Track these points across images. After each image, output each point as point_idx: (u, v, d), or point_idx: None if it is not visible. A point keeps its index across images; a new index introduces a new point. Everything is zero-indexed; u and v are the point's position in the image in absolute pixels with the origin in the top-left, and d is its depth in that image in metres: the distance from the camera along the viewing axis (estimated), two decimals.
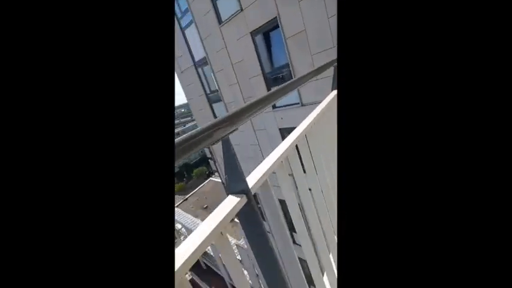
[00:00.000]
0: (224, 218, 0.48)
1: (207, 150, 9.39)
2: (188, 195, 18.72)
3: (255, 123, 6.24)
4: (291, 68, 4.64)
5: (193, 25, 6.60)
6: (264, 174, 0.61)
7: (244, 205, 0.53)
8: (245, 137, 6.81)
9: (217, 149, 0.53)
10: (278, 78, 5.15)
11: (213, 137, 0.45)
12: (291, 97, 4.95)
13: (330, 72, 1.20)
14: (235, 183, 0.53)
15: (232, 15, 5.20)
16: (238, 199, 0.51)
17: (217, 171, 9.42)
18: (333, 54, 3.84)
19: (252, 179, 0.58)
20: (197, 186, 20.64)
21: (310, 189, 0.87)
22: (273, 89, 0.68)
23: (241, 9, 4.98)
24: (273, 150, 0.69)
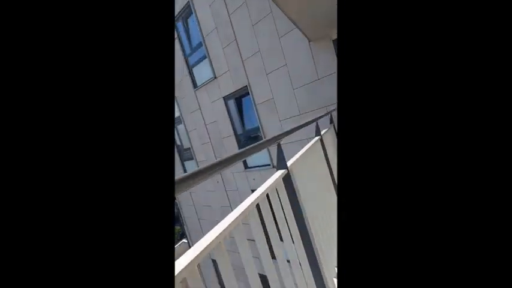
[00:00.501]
0: (277, 179, 0.94)
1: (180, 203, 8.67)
2: None
3: (226, 182, 6.01)
4: (261, 131, 4.77)
5: None
6: (299, 157, 1.20)
7: (286, 175, 1.02)
8: (216, 198, 6.44)
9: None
10: (249, 139, 5.23)
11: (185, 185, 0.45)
12: (262, 158, 4.95)
13: (298, 136, 1.40)
14: (281, 164, 1.03)
15: (207, 81, 5.53)
16: (282, 171, 1.00)
17: (186, 234, 8.53)
18: (299, 121, 4.05)
19: (289, 162, 1.10)
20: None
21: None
22: (243, 148, 0.78)
23: (215, 77, 5.34)
24: None
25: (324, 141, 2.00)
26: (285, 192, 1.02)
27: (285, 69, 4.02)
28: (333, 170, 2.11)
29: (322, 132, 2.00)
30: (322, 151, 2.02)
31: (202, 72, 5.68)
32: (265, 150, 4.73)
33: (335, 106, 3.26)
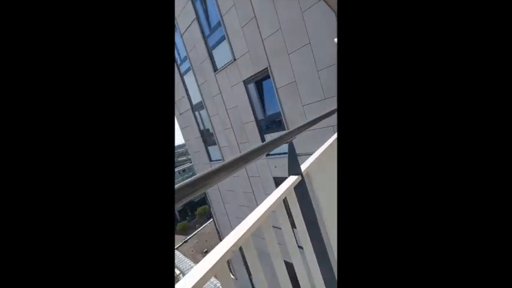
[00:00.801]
0: (288, 187, 0.80)
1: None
2: (188, 237, 17.77)
3: (249, 169, 5.93)
4: (282, 117, 4.47)
5: (191, 72, 6.77)
6: (313, 161, 1.01)
7: (299, 182, 0.87)
8: (239, 184, 6.44)
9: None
10: (271, 125, 4.98)
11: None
12: (284, 146, 4.69)
13: (324, 123, 1.28)
14: (293, 168, 0.88)
15: (226, 64, 5.28)
16: (296, 177, 0.86)
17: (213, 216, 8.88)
18: (324, 106, 3.66)
19: (303, 166, 0.93)
20: (200, 225, 19.69)
21: None
22: (268, 140, 0.72)
23: (235, 59, 5.05)
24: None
25: None
26: (297, 206, 0.86)
27: (308, 49, 3.59)
28: None
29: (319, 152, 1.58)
30: None
31: (222, 54, 5.42)
32: None
33: None
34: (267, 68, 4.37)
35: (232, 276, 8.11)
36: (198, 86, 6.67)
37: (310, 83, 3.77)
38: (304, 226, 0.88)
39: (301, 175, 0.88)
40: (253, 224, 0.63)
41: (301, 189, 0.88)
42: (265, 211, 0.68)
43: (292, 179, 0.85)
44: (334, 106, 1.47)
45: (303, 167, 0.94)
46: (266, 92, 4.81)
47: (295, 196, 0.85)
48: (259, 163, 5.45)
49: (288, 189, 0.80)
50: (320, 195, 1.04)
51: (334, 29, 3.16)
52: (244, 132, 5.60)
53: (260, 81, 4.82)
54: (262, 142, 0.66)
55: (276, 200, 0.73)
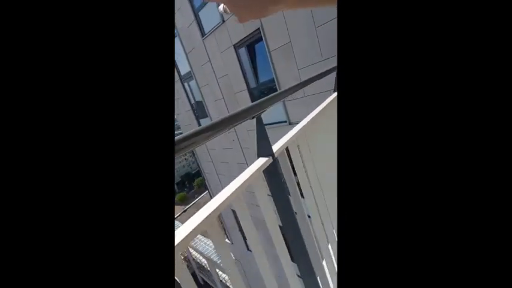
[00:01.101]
0: (253, 173, 0.69)
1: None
2: (187, 206, 18.18)
3: (242, 140, 5.77)
4: (276, 84, 4.21)
5: (177, 38, 6.25)
6: (284, 144, 0.88)
7: (270, 164, 0.76)
8: (232, 156, 6.31)
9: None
10: (264, 93, 4.71)
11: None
12: (278, 114, 4.50)
13: (318, 88, 1.21)
14: (264, 148, 0.77)
15: (215, 26, 4.84)
16: (266, 159, 0.75)
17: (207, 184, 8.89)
18: (322, 69, 3.41)
19: (275, 147, 0.83)
20: (198, 195, 20.09)
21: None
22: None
23: (223, 21, 4.61)
24: None
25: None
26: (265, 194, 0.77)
27: None
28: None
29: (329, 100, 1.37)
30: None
31: (210, 15, 4.94)
32: (281, 106, 4.24)
33: None
34: (259, 28, 4.00)
35: (227, 240, 8.38)
36: (186, 54, 6.21)
37: (307, 43, 3.47)
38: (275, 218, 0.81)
39: (272, 156, 0.78)
40: (245, 181, 0.65)
41: (272, 169, 0.79)
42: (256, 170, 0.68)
43: (260, 161, 0.75)
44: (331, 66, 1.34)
45: (280, 143, 0.87)
46: (259, 56, 4.47)
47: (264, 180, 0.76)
48: (252, 134, 5.27)
49: (256, 171, 0.71)
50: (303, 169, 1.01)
51: None
52: (237, 102, 5.33)
53: (252, 45, 4.46)
54: None
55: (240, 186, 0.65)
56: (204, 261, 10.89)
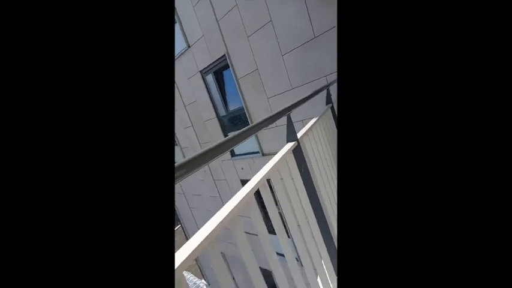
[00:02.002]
0: (288, 150, 0.91)
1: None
2: None
3: (214, 172, 5.27)
4: (246, 112, 3.87)
5: None
6: (303, 134, 1.12)
7: (296, 146, 0.99)
8: (205, 187, 5.76)
9: None
10: (234, 122, 4.35)
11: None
12: (250, 145, 4.12)
13: (294, 117, 1.07)
14: (291, 136, 1.00)
15: (181, 52, 4.52)
16: (293, 143, 0.98)
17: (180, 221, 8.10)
18: (291, 98, 3.13)
19: (299, 134, 1.09)
20: None
21: None
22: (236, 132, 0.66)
23: (189, 46, 4.32)
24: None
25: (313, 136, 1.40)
26: (295, 166, 0.98)
27: (270, 27, 3.00)
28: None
29: (311, 123, 1.37)
30: (333, 120, 1.93)
31: (175, 40, 4.64)
32: (252, 137, 3.88)
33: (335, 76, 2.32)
34: (225, 54, 3.72)
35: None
36: None
37: (275, 71, 3.20)
38: (304, 189, 1.01)
39: (297, 141, 1.01)
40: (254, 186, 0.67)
41: (298, 152, 1.01)
42: (263, 176, 0.72)
43: (289, 145, 0.95)
44: (303, 96, 1.32)
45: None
46: (227, 84, 4.16)
47: (293, 157, 0.97)
48: (225, 165, 4.82)
49: (288, 151, 0.91)
50: (311, 157, 1.21)
51: (300, 1, 2.61)
52: (206, 130, 4.92)
53: (220, 72, 4.16)
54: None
55: (280, 159, 0.83)
56: None
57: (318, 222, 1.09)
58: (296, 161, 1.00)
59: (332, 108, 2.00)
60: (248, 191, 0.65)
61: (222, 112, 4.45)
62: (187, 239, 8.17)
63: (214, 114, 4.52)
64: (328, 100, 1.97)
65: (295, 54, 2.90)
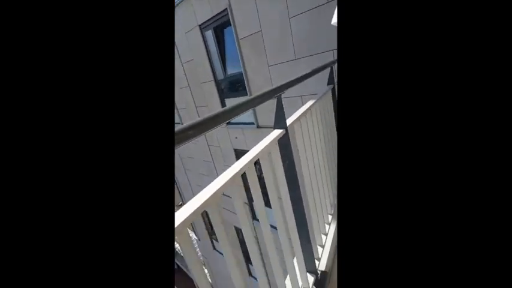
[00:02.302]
0: (272, 140, 0.80)
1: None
2: None
3: (208, 136, 5.15)
4: (245, 78, 3.57)
5: None
6: (293, 121, 0.97)
7: (284, 135, 0.88)
8: (199, 151, 5.71)
9: None
10: (232, 88, 4.06)
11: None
12: (246, 115, 3.91)
13: (291, 92, 1.26)
14: (279, 122, 0.88)
15: (179, 1, 4.00)
16: (280, 131, 0.86)
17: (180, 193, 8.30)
18: (294, 70, 2.83)
19: (289, 121, 0.94)
20: None
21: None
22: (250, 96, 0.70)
23: None
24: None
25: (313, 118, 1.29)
26: (279, 159, 0.90)
27: None
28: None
29: (306, 106, 1.18)
30: (333, 105, 1.69)
31: None
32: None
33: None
34: (226, 8, 3.27)
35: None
36: None
37: (279, 35, 2.83)
38: (284, 179, 0.93)
39: (286, 128, 0.90)
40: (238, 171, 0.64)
41: (284, 141, 0.92)
42: (250, 159, 0.69)
43: (276, 133, 0.86)
44: (305, 71, 1.18)
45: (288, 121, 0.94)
46: (227, 44, 3.77)
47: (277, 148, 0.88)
48: (219, 132, 4.67)
49: (272, 140, 0.81)
50: (300, 148, 1.10)
51: None
52: (203, 93, 4.64)
53: (220, 29, 3.73)
54: (223, 107, 0.57)
55: (261, 151, 0.74)
56: (176, 245, 10.66)
57: (296, 222, 1.02)
58: (281, 153, 0.90)
59: (334, 90, 1.75)
60: (216, 190, 0.56)
61: (220, 75, 4.13)
62: (181, 199, 8.46)
63: (211, 77, 4.20)
64: (331, 80, 1.71)
65: (303, 19, 2.51)
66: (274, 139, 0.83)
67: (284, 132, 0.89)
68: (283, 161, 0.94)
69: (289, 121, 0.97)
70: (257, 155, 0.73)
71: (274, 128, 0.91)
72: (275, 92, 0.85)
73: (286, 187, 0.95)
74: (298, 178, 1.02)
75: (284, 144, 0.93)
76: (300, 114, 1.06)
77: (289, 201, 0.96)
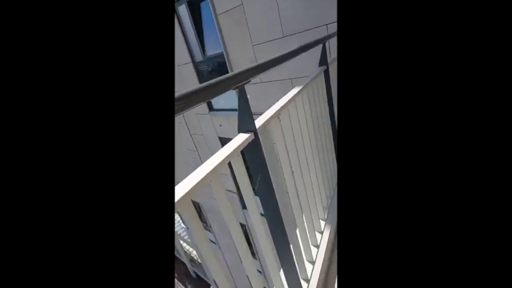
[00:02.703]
0: (235, 149, 0.54)
1: None
2: None
3: (190, 125, 4.80)
4: (226, 61, 3.22)
5: None
6: (268, 118, 0.71)
7: (252, 141, 0.62)
8: (182, 140, 5.36)
9: None
10: (213, 72, 3.69)
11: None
12: (231, 100, 3.60)
13: (275, 76, 1.13)
14: (245, 123, 0.62)
15: None
16: (247, 135, 0.60)
17: None
18: (281, 48, 2.53)
19: (258, 122, 0.67)
20: None
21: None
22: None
23: None
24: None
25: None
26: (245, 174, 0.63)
27: None
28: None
29: (288, 96, 0.90)
30: (326, 91, 1.41)
31: None
32: (232, 92, 3.33)
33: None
34: None
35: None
36: None
37: (265, 10, 2.49)
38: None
39: (255, 132, 0.64)
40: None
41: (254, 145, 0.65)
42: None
43: (241, 138, 0.60)
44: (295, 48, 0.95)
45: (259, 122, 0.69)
46: (205, 22, 3.34)
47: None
48: (202, 119, 4.34)
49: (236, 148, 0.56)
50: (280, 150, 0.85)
51: None
52: (181, 77, 4.22)
53: (196, 3, 3.28)
54: None
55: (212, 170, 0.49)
56: (194, 253, 10.35)
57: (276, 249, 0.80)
58: (249, 166, 0.67)
59: (327, 72, 1.46)
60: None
61: (199, 57, 3.73)
62: None
63: (189, 58, 3.79)
64: (323, 60, 1.41)
65: None
66: (235, 150, 0.56)
67: (252, 137, 0.63)
68: (254, 176, 0.66)
69: (262, 119, 0.71)
70: (208, 175, 0.47)
71: (239, 131, 0.63)
72: (233, 81, 0.55)
73: (258, 214, 0.67)
74: (279, 189, 0.78)
75: (253, 152, 0.66)
76: (279, 107, 0.78)
77: (262, 230, 0.71)
